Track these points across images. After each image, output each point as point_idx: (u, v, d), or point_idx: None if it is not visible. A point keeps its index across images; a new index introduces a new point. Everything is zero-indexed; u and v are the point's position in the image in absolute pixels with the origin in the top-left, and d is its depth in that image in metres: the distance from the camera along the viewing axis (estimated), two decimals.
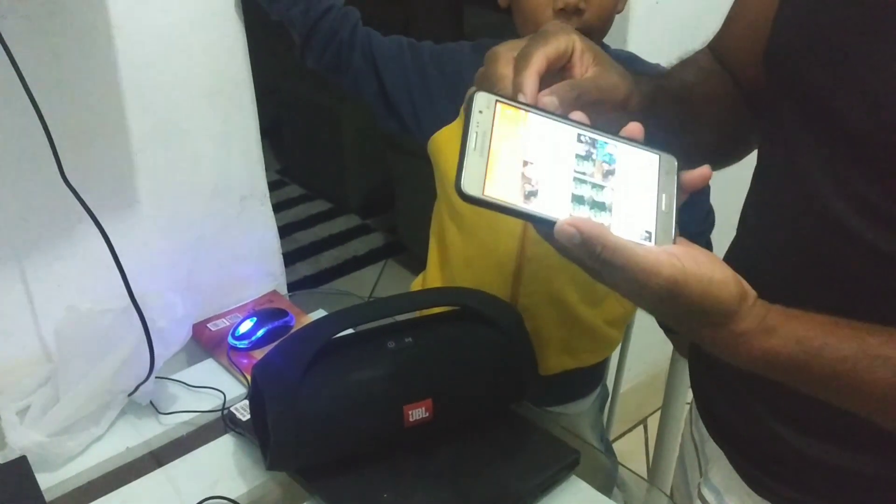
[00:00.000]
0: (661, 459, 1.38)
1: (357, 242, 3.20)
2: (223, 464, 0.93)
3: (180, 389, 1.06)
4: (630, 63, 1.05)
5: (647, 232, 0.54)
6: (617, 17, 1.01)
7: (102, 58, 1.00)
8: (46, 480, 0.90)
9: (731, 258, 0.80)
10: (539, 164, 0.52)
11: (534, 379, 0.95)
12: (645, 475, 1.90)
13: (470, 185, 0.50)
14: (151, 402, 1.01)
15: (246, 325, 1.15)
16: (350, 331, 0.91)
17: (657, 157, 0.57)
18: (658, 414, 2.08)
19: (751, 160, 0.83)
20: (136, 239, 1.08)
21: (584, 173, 0.54)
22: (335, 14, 1.05)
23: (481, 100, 0.52)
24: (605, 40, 1.05)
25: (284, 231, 1.31)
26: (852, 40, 0.62)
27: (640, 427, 2.09)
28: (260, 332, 1.14)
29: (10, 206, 0.98)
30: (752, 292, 0.57)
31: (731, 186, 0.93)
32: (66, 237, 1.03)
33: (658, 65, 1.08)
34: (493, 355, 0.90)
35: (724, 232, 1.18)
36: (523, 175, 0.52)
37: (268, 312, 1.19)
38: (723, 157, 0.87)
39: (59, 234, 1.02)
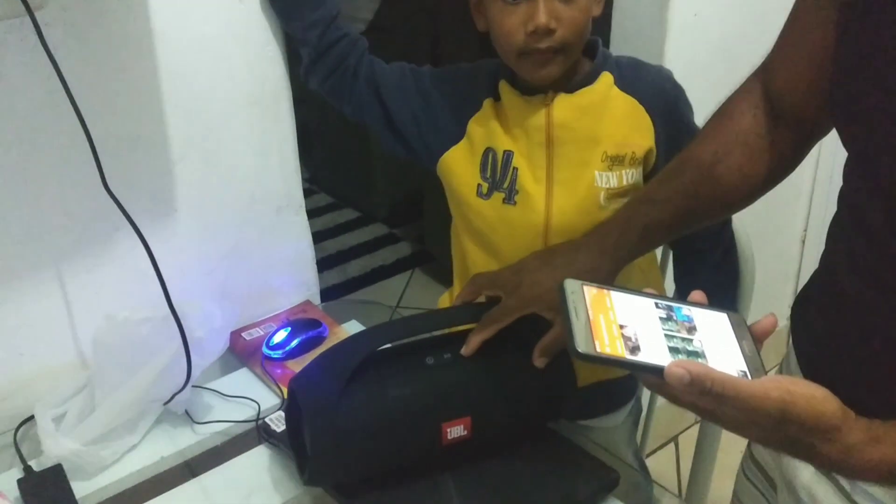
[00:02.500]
0: (698, 476, 1.34)
1: (384, 252, 3.19)
2: (257, 475, 0.93)
3: (215, 398, 1.05)
4: (633, 68, 1.04)
5: (741, 371, 0.61)
6: (653, 31, 1.00)
7: (144, 66, 1.00)
8: (81, 489, 0.90)
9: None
10: (632, 326, 0.62)
11: (572, 397, 0.93)
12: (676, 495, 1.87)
13: (583, 346, 0.59)
14: (186, 411, 1.01)
15: (280, 335, 1.15)
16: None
17: (725, 314, 0.66)
18: (690, 431, 2.05)
19: None
20: (174, 247, 1.08)
21: (671, 330, 0.63)
22: (347, 41, 1.06)
23: (570, 284, 0.64)
24: (636, 53, 1.03)
25: (312, 239, 1.31)
26: None
27: (671, 445, 2.06)
28: (294, 343, 1.14)
29: (51, 213, 0.98)
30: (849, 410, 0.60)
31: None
32: (104, 244, 1.03)
33: (661, 67, 1.05)
34: (532, 373, 0.88)
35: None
36: (622, 335, 0.61)
37: (302, 323, 1.19)
38: (765, 189, 0.86)
39: (97, 242, 1.02)
